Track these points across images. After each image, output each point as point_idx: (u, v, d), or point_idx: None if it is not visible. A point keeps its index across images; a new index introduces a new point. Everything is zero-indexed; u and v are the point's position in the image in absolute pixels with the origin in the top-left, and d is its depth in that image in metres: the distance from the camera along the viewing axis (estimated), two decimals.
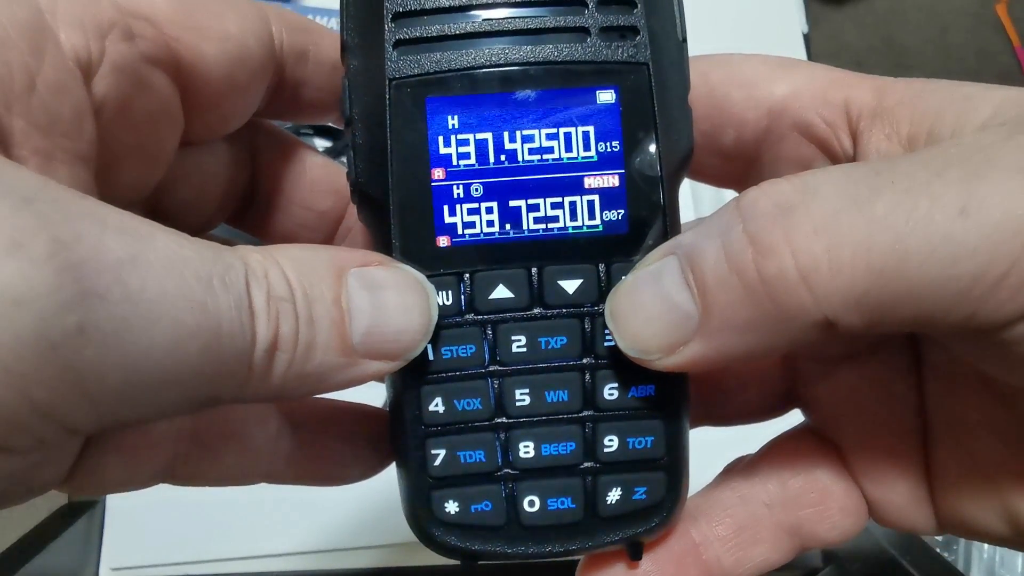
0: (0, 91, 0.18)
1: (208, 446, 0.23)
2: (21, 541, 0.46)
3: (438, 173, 0.22)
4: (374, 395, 0.26)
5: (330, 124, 0.61)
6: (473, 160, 0.22)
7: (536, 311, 0.22)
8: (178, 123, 0.23)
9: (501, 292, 0.22)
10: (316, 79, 0.25)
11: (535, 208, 0.22)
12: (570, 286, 0.22)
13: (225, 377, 0.18)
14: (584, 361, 0.22)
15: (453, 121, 0.22)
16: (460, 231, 0.22)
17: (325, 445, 0.26)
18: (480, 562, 0.23)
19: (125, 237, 0.16)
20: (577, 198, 0.22)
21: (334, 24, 0.23)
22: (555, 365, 0.22)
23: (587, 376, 0.23)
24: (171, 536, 0.54)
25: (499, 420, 0.23)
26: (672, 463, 0.23)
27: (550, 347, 0.22)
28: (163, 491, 0.24)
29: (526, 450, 0.23)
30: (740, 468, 0.26)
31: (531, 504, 0.23)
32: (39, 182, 0.16)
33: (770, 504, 0.25)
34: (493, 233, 0.22)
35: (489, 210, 0.22)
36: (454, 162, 0.22)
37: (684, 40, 0.23)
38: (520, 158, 0.22)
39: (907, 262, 0.17)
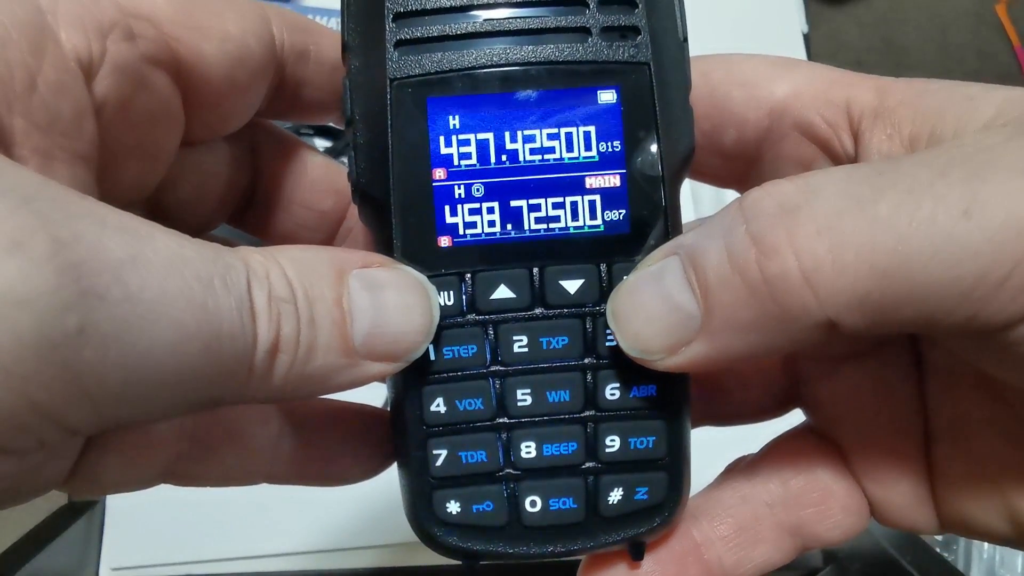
0: (1, 90, 0.18)
1: (209, 446, 0.23)
2: (21, 541, 0.46)
3: (439, 173, 0.22)
4: (375, 395, 0.26)
5: (331, 124, 0.62)
6: (474, 160, 0.22)
7: (537, 311, 0.22)
8: (179, 123, 0.23)
9: (502, 292, 0.22)
10: (317, 79, 0.25)
11: (536, 208, 0.22)
12: (571, 286, 0.22)
13: (226, 378, 0.18)
14: (585, 361, 0.22)
15: (454, 121, 0.22)
16: (461, 231, 0.22)
17: (326, 445, 0.26)
18: (481, 562, 0.23)
19: (125, 237, 0.16)
20: (578, 198, 0.22)
21: (334, 24, 0.23)
22: (556, 365, 0.22)
23: (588, 376, 0.22)
24: (171, 536, 0.54)
25: (501, 420, 0.23)
26: (673, 463, 0.23)
27: (551, 347, 0.22)
28: (163, 491, 0.24)
29: (528, 450, 0.23)
30: (741, 468, 0.26)
31: (533, 504, 0.23)
32: (39, 182, 0.16)
33: (771, 504, 0.25)
34: (494, 233, 0.22)
35: (490, 210, 0.22)
36: (455, 162, 0.22)
37: (685, 40, 0.23)
38: (521, 158, 0.22)
39: (910, 263, 0.17)
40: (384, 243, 0.22)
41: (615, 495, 0.23)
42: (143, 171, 0.23)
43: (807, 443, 0.26)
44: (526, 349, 0.22)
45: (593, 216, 0.22)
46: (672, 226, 0.23)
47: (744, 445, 0.27)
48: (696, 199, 0.60)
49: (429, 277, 0.22)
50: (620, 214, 0.22)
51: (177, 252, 0.17)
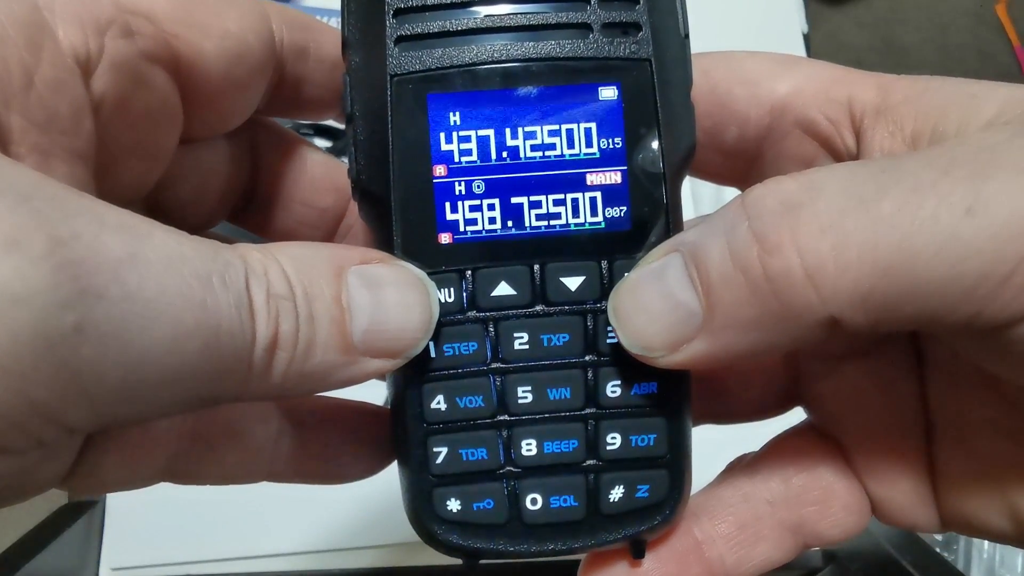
0: None
1: (208, 445, 0.23)
2: (21, 541, 0.46)
3: (440, 170, 0.22)
4: (375, 393, 0.26)
5: (331, 124, 0.62)
6: (475, 157, 0.22)
7: (538, 308, 0.22)
8: (178, 120, 0.23)
9: (503, 289, 0.22)
10: (317, 76, 0.25)
11: (537, 205, 0.22)
12: (572, 283, 0.22)
13: (225, 376, 0.18)
14: (586, 358, 0.22)
15: (455, 117, 0.22)
16: (462, 228, 0.22)
17: (326, 443, 0.26)
18: (482, 560, 0.23)
19: (123, 235, 0.16)
20: (579, 195, 0.22)
21: (334, 23, 0.23)
22: (557, 362, 0.22)
23: (589, 373, 0.22)
24: (171, 536, 0.54)
25: (501, 418, 0.22)
26: (675, 461, 0.23)
27: (552, 344, 0.22)
28: (163, 491, 0.24)
29: (528, 448, 0.22)
30: (742, 466, 0.26)
31: (533, 502, 0.23)
32: (37, 179, 0.16)
33: (773, 502, 0.25)
34: (495, 230, 0.22)
35: (491, 207, 0.22)
36: (456, 159, 0.22)
37: (686, 36, 0.23)
38: (522, 155, 0.22)
39: (913, 261, 0.17)
40: (384, 240, 0.22)
41: (616, 493, 0.23)
42: (142, 169, 0.23)
43: (808, 441, 0.26)
44: (527, 346, 0.22)
45: (594, 213, 0.22)
46: (673, 223, 0.22)
47: (745, 443, 0.27)
48: (696, 197, 0.60)
49: (429, 274, 0.22)
50: (621, 211, 0.22)
51: (176, 250, 0.17)
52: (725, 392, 0.28)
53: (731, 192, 0.24)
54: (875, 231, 0.17)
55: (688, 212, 0.24)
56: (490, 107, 0.22)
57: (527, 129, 0.22)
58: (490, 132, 0.22)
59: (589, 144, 0.22)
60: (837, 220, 0.18)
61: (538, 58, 0.22)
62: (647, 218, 0.22)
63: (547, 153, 0.22)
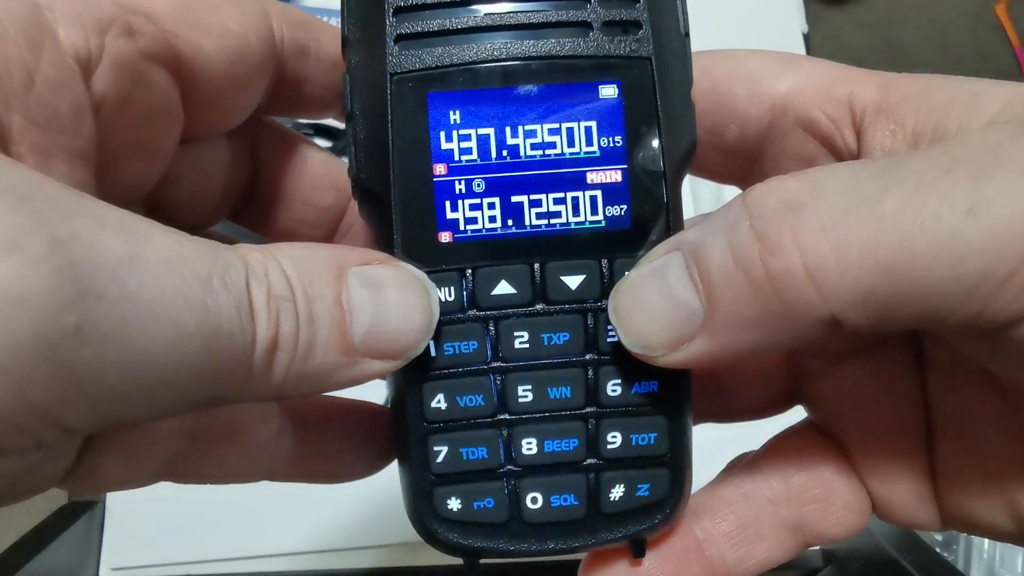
0: None
1: (209, 444, 0.23)
2: (21, 541, 0.46)
3: (440, 168, 0.22)
4: (375, 392, 0.26)
5: (331, 123, 0.62)
6: (475, 155, 0.22)
7: (539, 307, 0.22)
8: (178, 120, 0.23)
9: (503, 288, 0.22)
10: (317, 75, 0.25)
11: (537, 204, 0.22)
12: (573, 282, 0.22)
13: (225, 377, 0.18)
14: (587, 357, 0.22)
15: (455, 116, 0.22)
16: (462, 227, 0.22)
17: (327, 443, 0.26)
18: (482, 560, 0.23)
19: (124, 235, 0.16)
20: (579, 193, 0.22)
21: (334, 22, 0.23)
22: (558, 361, 0.22)
23: (590, 372, 0.22)
24: (171, 536, 0.54)
25: (501, 417, 0.22)
26: (675, 460, 0.23)
27: (553, 343, 0.22)
28: (163, 490, 0.24)
29: (529, 447, 0.22)
30: (743, 465, 0.26)
31: (534, 501, 0.23)
32: (36, 180, 0.16)
33: (773, 501, 0.25)
34: (495, 229, 0.22)
35: (491, 206, 0.22)
36: (456, 157, 0.22)
37: (687, 34, 0.23)
38: (522, 153, 0.22)
39: (915, 260, 0.17)
40: (384, 239, 0.22)
41: (616, 492, 0.23)
42: (142, 168, 0.23)
43: (809, 440, 0.26)
44: (527, 345, 0.22)
45: (594, 212, 0.22)
46: (674, 222, 0.22)
47: (746, 442, 0.27)
48: (696, 196, 0.60)
49: (429, 273, 0.22)
50: (621, 209, 0.22)
51: (176, 250, 0.17)
52: (725, 391, 0.28)
53: (731, 191, 0.24)
54: (876, 230, 0.17)
55: (688, 211, 0.24)
56: (490, 106, 0.22)
57: (527, 128, 0.22)
58: (490, 131, 0.22)
59: (589, 143, 0.22)
60: (839, 219, 0.18)
61: (538, 56, 0.22)
62: (648, 217, 0.22)
63: (547, 152, 0.22)
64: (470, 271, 0.22)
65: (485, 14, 0.22)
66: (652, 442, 0.23)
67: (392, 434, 0.24)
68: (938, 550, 0.51)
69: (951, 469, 0.24)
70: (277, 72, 0.24)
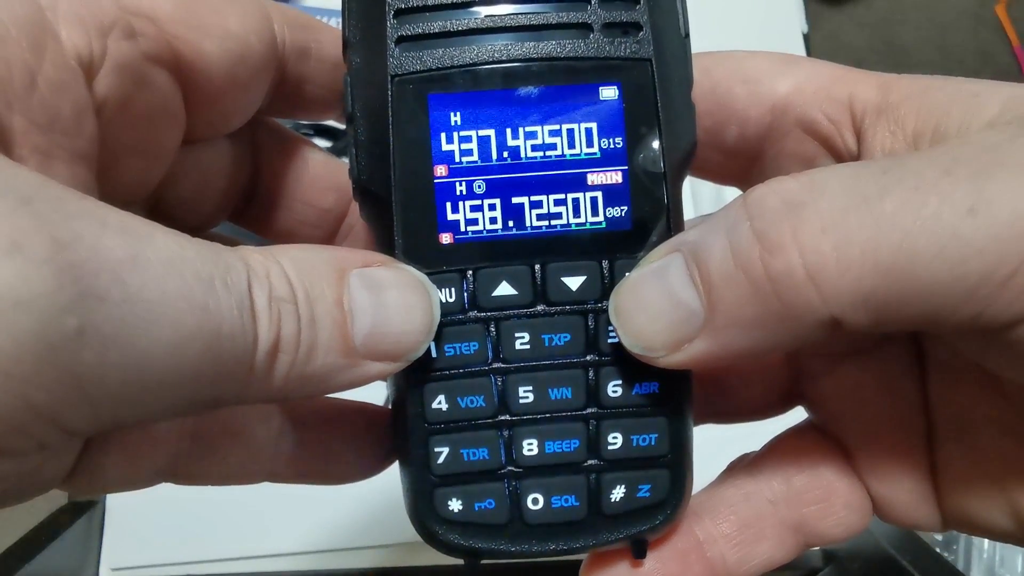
0: (0, 89, 0.18)
1: (210, 445, 0.23)
2: (21, 541, 0.46)
3: (441, 170, 0.22)
4: (376, 393, 0.26)
5: (331, 124, 0.62)
6: (476, 157, 0.22)
7: (539, 308, 0.22)
8: (180, 121, 0.23)
9: (504, 289, 0.22)
10: (318, 76, 0.25)
11: (538, 205, 0.22)
12: (573, 283, 0.22)
13: (226, 379, 0.18)
14: (588, 358, 0.22)
15: (456, 118, 0.22)
16: (463, 228, 0.22)
17: (327, 444, 0.26)
18: (483, 561, 0.23)
19: (125, 237, 0.16)
20: (580, 195, 0.22)
21: (335, 23, 0.23)
22: (558, 362, 0.22)
23: (591, 373, 0.22)
24: (171, 536, 0.54)
25: (502, 418, 0.22)
26: (676, 460, 0.23)
27: (553, 344, 0.22)
28: (164, 491, 0.24)
29: (529, 448, 0.22)
30: (744, 465, 0.26)
31: (535, 502, 0.23)
32: (38, 181, 0.16)
33: (774, 501, 0.25)
34: (496, 230, 0.22)
35: (492, 207, 0.22)
36: (457, 159, 0.22)
37: (687, 36, 0.23)
38: (523, 155, 0.22)
39: (915, 261, 0.17)
40: (385, 240, 0.22)
41: (617, 493, 0.23)
42: (144, 170, 0.23)
43: (809, 440, 0.26)
44: (528, 346, 0.22)
45: (595, 213, 0.22)
46: (674, 223, 0.22)
47: (746, 442, 0.27)
48: (696, 197, 0.60)
49: (430, 274, 0.22)
50: (622, 211, 0.22)
51: (177, 252, 0.17)
52: (726, 391, 0.28)
53: (731, 192, 0.24)
54: (877, 231, 0.17)
55: (688, 212, 0.24)
56: (491, 107, 0.22)
57: (528, 129, 0.22)
58: (491, 132, 0.22)
59: (590, 144, 0.22)
60: (839, 220, 0.18)
61: (539, 58, 0.22)
62: (648, 218, 0.22)
63: (548, 153, 0.22)
64: (471, 272, 0.22)
65: (486, 16, 0.22)
66: (653, 443, 0.23)
67: (393, 435, 0.24)
68: (938, 550, 0.51)
69: (952, 469, 0.24)
70: (278, 73, 0.24)
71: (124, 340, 0.15)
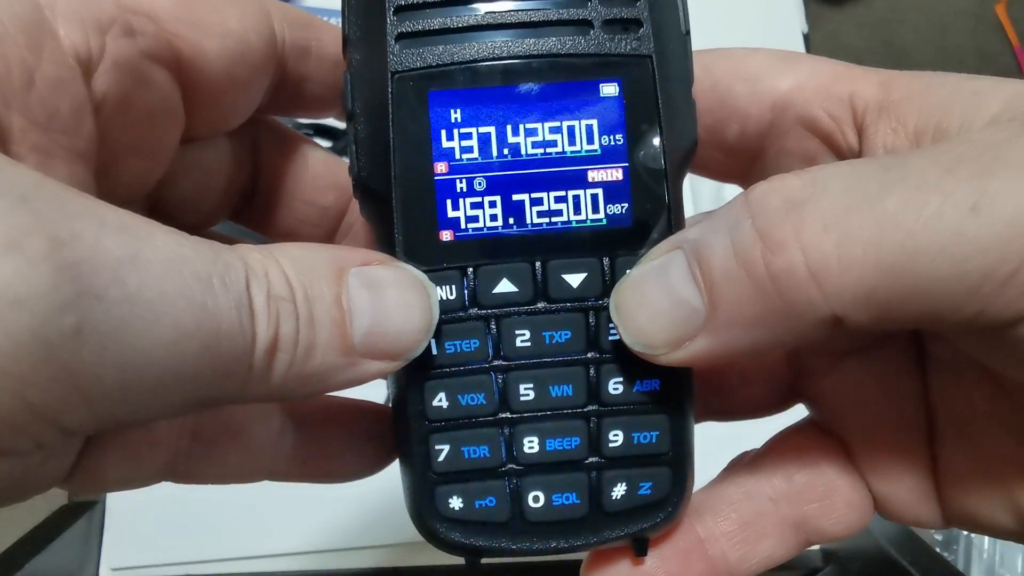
0: None
1: (210, 444, 0.23)
2: (21, 541, 0.46)
3: (441, 167, 0.22)
4: (376, 391, 0.26)
5: (331, 124, 0.62)
6: (476, 154, 0.22)
7: (540, 305, 0.22)
8: (179, 120, 0.23)
9: (505, 286, 0.22)
10: (318, 74, 0.25)
11: (538, 202, 0.22)
12: (574, 280, 0.22)
13: (225, 378, 0.18)
14: (588, 355, 0.22)
15: (456, 115, 0.22)
16: (463, 225, 0.22)
17: (328, 442, 0.26)
18: (484, 559, 0.23)
19: (124, 236, 0.16)
20: (581, 192, 0.22)
21: (334, 23, 0.23)
22: (559, 360, 0.22)
23: (591, 371, 0.22)
24: (171, 536, 0.54)
25: (503, 415, 0.22)
26: (677, 458, 0.23)
27: (554, 341, 0.22)
28: (163, 490, 0.24)
29: (530, 445, 0.22)
30: (745, 463, 0.26)
31: (535, 500, 0.23)
32: (36, 180, 0.16)
33: (775, 499, 0.25)
34: (496, 227, 0.22)
35: (492, 204, 0.22)
36: (457, 156, 0.22)
37: (687, 33, 0.23)
38: (523, 152, 0.22)
39: (917, 259, 0.17)
40: (385, 238, 0.22)
41: (618, 490, 0.23)
42: (143, 168, 0.23)
43: (810, 438, 0.26)
44: (528, 343, 0.22)
45: (595, 210, 0.22)
46: (675, 220, 0.22)
47: (747, 440, 0.27)
48: (696, 194, 0.60)
49: (431, 271, 0.22)
50: (623, 208, 0.22)
51: (176, 251, 0.17)
52: (727, 389, 0.28)
53: (731, 189, 0.24)
54: (879, 229, 0.17)
55: (688, 209, 0.23)
56: (491, 104, 0.22)
57: (528, 126, 0.22)
58: (491, 129, 0.22)
59: (590, 141, 0.22)
60: (841, 218, 0.18)
61: (539, 55, 0.22)
62: (649, 215, 0.22)
63: (548, 150, 0.22)
64: (471, 269, 0.22)
65: (486, 12, 0.22)
66: (654, 441, 0.23)
67: (393, 433, 0.24)
68: (938, 550, 0.51)
69: (953, 467, 0.24)
70: (278, 72, 0.24)
71: (122, 339, 0.15)
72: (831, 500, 0.25)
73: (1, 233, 0.14)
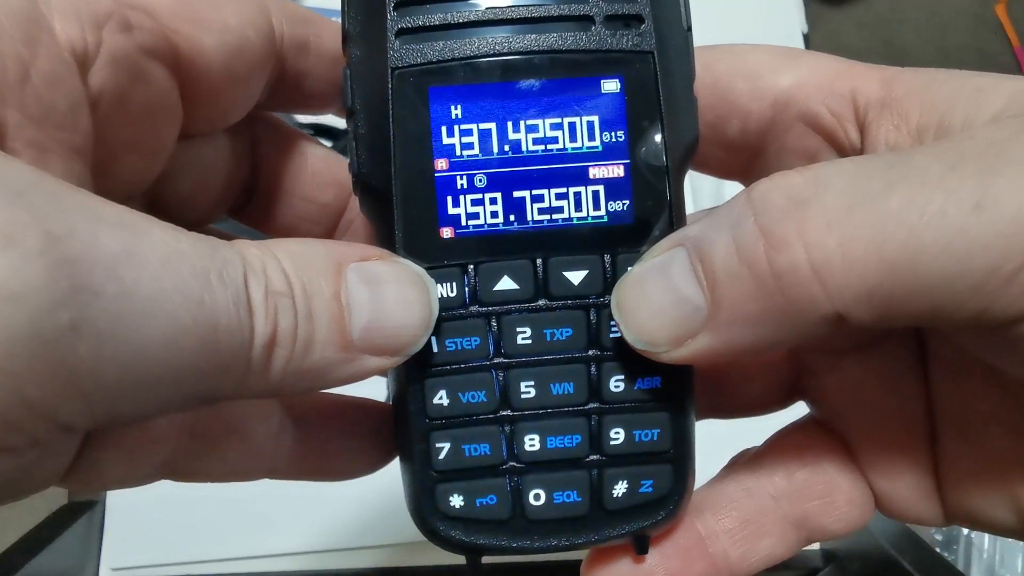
0: None
1: (209, 441, 0.23)
2: (21, 541, 0.46)
3: (441, 163, 0.22)
4: (376, 389, 0.26)
5: (331, 124, 0.62)
6: (477, 150, 0.22)
7: (541, 302, 0.22)
8: (177, 116, 0.23)
9: (506, 283, 0.22)
10: (317, 70, 0.25)
11: (539, 199, 0.22)
12: (575, 277, 0.22)
13: (223, 374, 0.18)
14: (590, 353, 0.22)
15: (456, 111, 0.22)
16: (464, 222, 0.22)
17: (328, 440, 0.26)
18: (485, 557, 0.23)
19: (120, 231, 0.16)
20: (582, 188, 0.22)
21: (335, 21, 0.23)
22: (560, 357, 0.22)
23: (593, 368, 0.22)
24: (171, 536, 0.54)
25: (504, 413, 0.22)
26: (678, 456, 0.23)
27: (555, 339, 0.22)
28: (163, 490, 0.24)
29: (531, 443, 0.22)
30: (745, 461, 0.26)
31: (536, 498, 0.22)
32: (32, 175, 0.16)
33: (776, 496, 0.25)
34: (497, 224, 0.22)
35: (493, 201, 0.22)
36: (458, 152, 0.22)
37: (689, 29, 0.23)
38: (524, 148, 0.22)
39: (920, 256, 0.17)
40: (385, 235, 0.22)
41: (620, 488, 0.23)
42: (141, 164, 0.23)
43: (811, 435, 0.26)
44: (529, 341, 0.22)
45: (597, 207, 0.22)
46: (676, 217, 0.22)
47: (748, 438, 0.27)
48: (696, 191, 0.60)
49: (431, 269, 0.22)
50: (624, 204, 0.22)
51: (173, 247, 0.17)
52: (728, 386, 0.27)
53: (731, 186, 0.24)
54: (882, 226, 0.17)
55: (688, 206, 0.23)
56: (492, 100, 0.22)
57: (529, 122, 0.22)
58: (492, 125, 0.22)
59: (592, 137, 0.22)
60: (844, 215, 0.18)
61: (540, 51, 0.21)
62: (650, 212, 0.22)
63: (549, 146, 0.22)
64: (472, 267, 0.22)
65: (487, 8, 0.22)
66: (655, 438, 0.23)
67: (394, 431, 0.24)
68: (938, 550, 0.51)
69: (954, 464, 0.24)
70: (277, 68, 0.24)
71: (119, 335, 0.15)
72: (832, 498, 0.25)
73: None
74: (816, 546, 0.52)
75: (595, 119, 0.22)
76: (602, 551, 0.24)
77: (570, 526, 0.23)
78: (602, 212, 0.22)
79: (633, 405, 0.22)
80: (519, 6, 0.21)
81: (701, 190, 0.60)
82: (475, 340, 0.22)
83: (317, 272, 0.19)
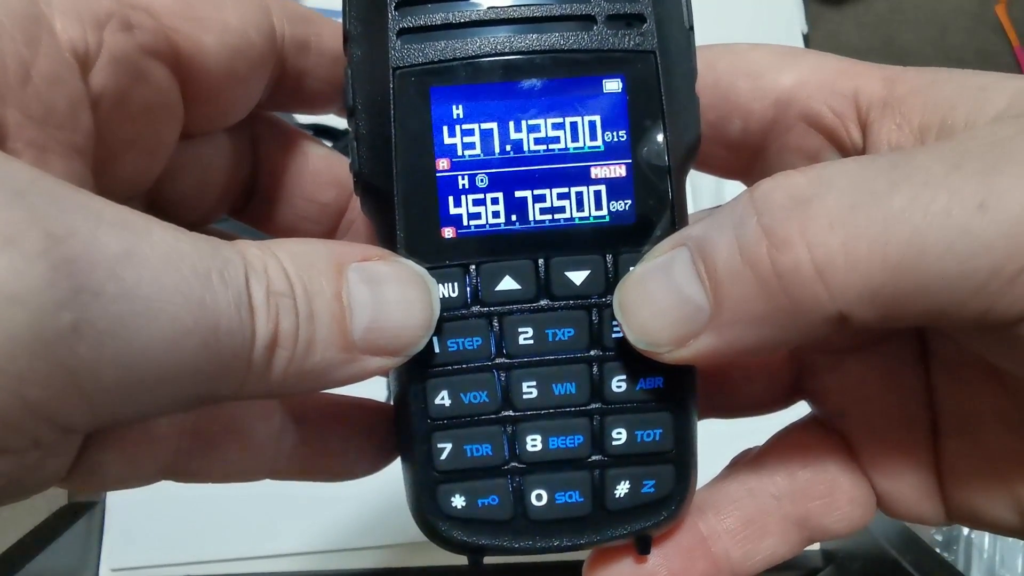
0: None
1: (210, 442, 0.23)
2: (21, 541, 0.46)
3: (443, 163, 0.22)
4: (377, 389, 0.26)
5: (332, 125, 0.61)
6: (478, 150, 0.22)
7: (543, 303, 0.22)
8: (178, 115, 0.23)
9: (507, 284, 0.22)
10: (318, 70, 0.25)
11: (541, 199, 0.22)
12: (577, 277, 0.22)
13: (224, 374, 0.18)
14: (592, 353, 0.22)
15: (458, 111, 0.21)
16: (465, 222, 0.22)
17: (329, 440, 0.26)
18: (486, 557, 0.23)
19: (121, 231, 0.16)
20: (584, 188, 0.22)
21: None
22: (562, 357, 0.22)
23: (595, 368, 0.22)
24: (171, 536, 0.54)
25: (506, 413, 0.22)
26: (680, 456, 0.23)
27: (557, 339, 0.22)
28: (163, 490, 0.24)
29: (533, 443, 0.22)
30: (747, 460, 0.26)
31: (538, 498, 0.22)
32: (32, 175, 0.16)
33: (778, 496, 0.25)
34: (499, 224, 0.22)
35: (495, 201, 0.22)
36: (459, 152, 0.22)
37: (691, 28, 0.23)
38: (526, 148, 0.22)
39: (924, 256, 0.17)
40: (386, 235, 0.22)
41: (622, 488, 0.22)
42: (142, 164, 0.23)
43: (813, 435, 0.26)
44: (531, 341, 0.22)
45: (599, 206, 0.22)
46: (678, 217, 0.22)
47: (750, 437, 0.27)
48: (696, 190, 0.60)
49: (433, 269, 0.22)
50: (626, 204, 0.22)
51: (174, 247, 0.17)
52: (730, 386, 0.27)
53: (732, 186, 0.24)
54: (885, 226, 0.17)
55: (688, 206, 0.23)
56: (493, 100, 0.21)
57: (531, 122, 0.22)
58: (493, 125, 0.22)
59: (593, 137, 0.22)
60: (847, 215, 0.18)
61: (542, 50, 0.21)
62: (652, 212, 0.22)
63: (551, 146, 0.22)
64: (473, 267, 0.22)
65: (488, 8, 0.21)
66: (657, 438, 0.23)
67: (395, 431, 0.24)
68: (938, 550, 0.51)
69: (956, 464, 0.24)
70: (278, 67, 0.24)
71: (120, 335, 0.15)
72: (834, 497, 0.25)
73: None
74: (816, 546, 0.52)
75: (597, 119, 0.22)
76: (604, 551, 0.24)
77: (572, 526, 0.23)
78: (604, 212, 0.22)
79: (635, 405, 0.22)
80: (520, 6, 0.21)
81: (702, 189, 0.60)
82: (477, 340, 0.22)
83: (318, 272, 0.19)
